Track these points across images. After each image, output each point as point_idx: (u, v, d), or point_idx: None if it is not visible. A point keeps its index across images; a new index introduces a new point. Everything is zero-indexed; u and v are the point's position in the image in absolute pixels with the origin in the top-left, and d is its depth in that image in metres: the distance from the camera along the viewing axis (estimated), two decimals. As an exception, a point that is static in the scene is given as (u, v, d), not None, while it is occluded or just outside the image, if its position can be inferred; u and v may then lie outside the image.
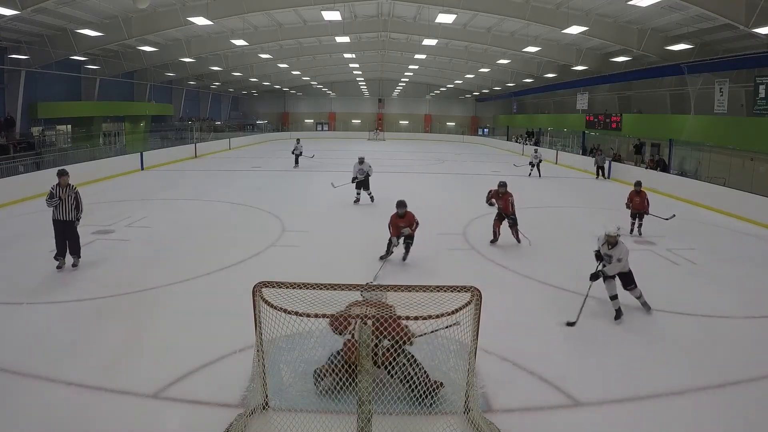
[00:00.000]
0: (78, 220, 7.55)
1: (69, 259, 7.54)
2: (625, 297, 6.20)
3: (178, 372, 4.57)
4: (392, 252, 8.01)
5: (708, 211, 13.68)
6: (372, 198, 13.29)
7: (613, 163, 20.95)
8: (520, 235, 9.30)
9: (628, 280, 6.14)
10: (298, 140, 22.73)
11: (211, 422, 3.89)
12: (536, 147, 23.83)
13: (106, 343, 5.17)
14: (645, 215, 10.25)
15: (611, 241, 5.95)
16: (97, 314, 5.93)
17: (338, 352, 4.35)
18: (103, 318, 5.84)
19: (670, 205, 13.52)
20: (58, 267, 7.40)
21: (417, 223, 7.96)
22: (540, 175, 19.87)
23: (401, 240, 7.90)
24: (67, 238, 7.44)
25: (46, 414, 3.98)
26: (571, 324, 5.81)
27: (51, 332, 5.41)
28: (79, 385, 4.36)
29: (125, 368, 4.67)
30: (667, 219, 10.32)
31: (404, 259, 8.07)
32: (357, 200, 13.27)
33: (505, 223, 9.28)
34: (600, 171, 20.25)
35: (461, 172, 21.89)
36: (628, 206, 10.42)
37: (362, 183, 13.19)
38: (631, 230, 10.36)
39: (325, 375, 4.30)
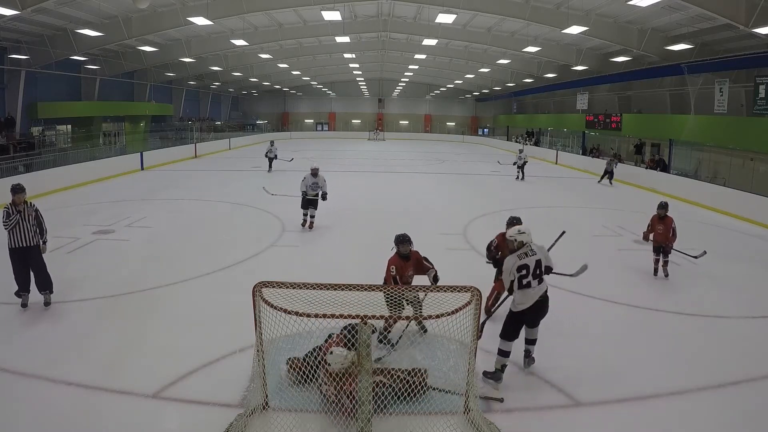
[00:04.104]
0: (44, 243, 6.12)
1: (38, 296, 6.03)
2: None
3: (178, 372, 4.57)
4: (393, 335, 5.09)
5: (708, 211, 13.68)
6: (312, 223, 10.25)
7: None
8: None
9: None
10: (272, 142, 20.64)
11: (211, 422, 3.89)
12: (521, 148, 21.88)
13: (106, 343, 5.17)
14: (670, 250, 7.68)
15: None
16: (97, 314, 5.93)
17: (319, 349, 4.35)
18: (103, 318, 5.84)
19: (672, 206, 13.46)
20: (23, 305, 5.94)
21: (426, 260, 5.56)
22: (523, 178, 18.84)
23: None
24: (32, 269, 5.94)
25: (46, 414, 3.99)
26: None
27: (51, 332, 5.41)
28: (79, 385, 4.36)
29: (125, 368, 4.67)
30: (696, 257, 7.80)
31: (424, 330, 5.35)
32: (305, 222, 10.32)
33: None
34: (606, 175, 18.36)
35: (461, 172, 21.88)
36: (646, 238, 7.85)
37: (311, 202, 10.16)
38: (656, 271, 7.78)
39: (296, 369, 4.33)
